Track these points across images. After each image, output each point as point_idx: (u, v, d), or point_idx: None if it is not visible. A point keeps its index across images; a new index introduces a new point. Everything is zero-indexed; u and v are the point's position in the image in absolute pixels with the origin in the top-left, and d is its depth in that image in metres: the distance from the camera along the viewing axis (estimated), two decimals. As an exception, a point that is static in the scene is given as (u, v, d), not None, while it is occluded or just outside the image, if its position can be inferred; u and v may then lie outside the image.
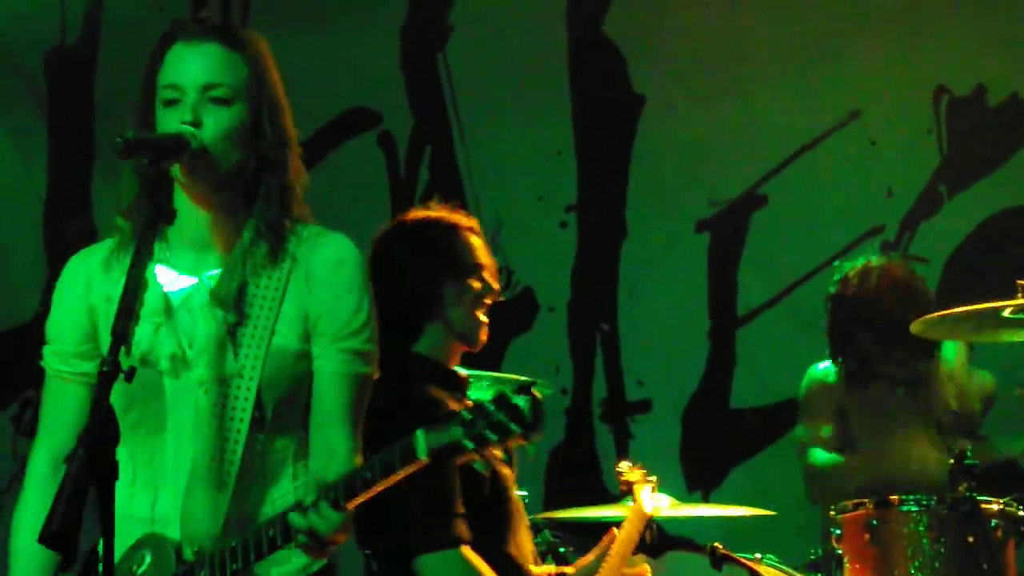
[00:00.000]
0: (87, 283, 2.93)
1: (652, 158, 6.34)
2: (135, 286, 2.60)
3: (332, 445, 2.83)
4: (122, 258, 2.85)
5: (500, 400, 2.46)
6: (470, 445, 2.47)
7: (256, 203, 2.85)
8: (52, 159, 6.79)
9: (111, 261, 2.90)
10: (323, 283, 2.85)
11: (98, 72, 6.75)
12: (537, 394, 2.45)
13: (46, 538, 2.42)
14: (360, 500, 2.61)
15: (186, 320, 2.85)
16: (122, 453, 2.76)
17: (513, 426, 2.44)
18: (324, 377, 2.83)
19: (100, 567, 2.49)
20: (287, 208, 2.86)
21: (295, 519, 2.62)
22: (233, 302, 2.83)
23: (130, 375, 2.53)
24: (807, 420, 5.06)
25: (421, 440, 2.51)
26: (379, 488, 2.58)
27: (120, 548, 2.77)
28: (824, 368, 5.05)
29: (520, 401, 2.44)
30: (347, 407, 2.84)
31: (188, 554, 2.76)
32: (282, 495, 2.84)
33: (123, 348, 2.54)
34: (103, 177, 6.64)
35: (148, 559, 2.79)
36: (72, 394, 2.92)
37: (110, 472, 2.48)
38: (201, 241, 2.87)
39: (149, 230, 2.67)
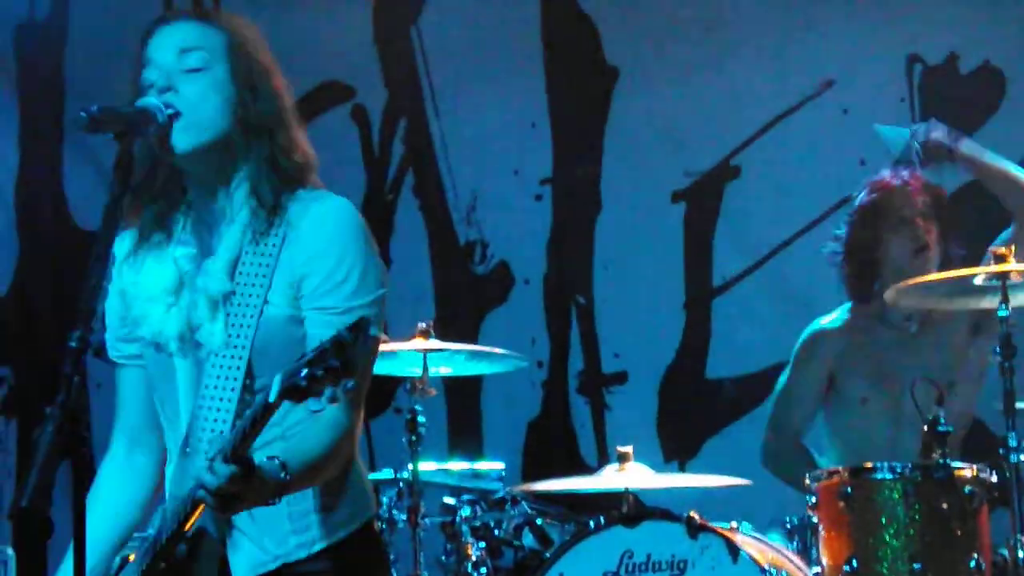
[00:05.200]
0: (118, 268, 2.96)
1: (627, 130, 6.34)
2: (101, 262, 2.60)
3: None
4: (144, 244, 2.90)
5: (334, 337, 2.47)
6: (303, 384, 2.46)
7: (251, 177, 2.84)
8: (23, 135, 6.76)
9: (138, 245, 2.93)
10: (305, 242, 2.82)
11: (68, 47, 6.72)
12: (363, 328, 2.45)
13: (16, 514, 2.42)
14: (244, 448, 2.59)
15: (189, 297, 2.86)
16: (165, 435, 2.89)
17: (332, 360, 2.44)
18: (311, 340, 2.80)
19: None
20: (281, 175, 2.84)
21: (199, 473, 2.62)
22: (227, 274, 2.83)
23: (99, 351, 2.54)
24: (797, 368, 5.05)
25: (276, 384, 2.53)
26: (253, 437, 2.57)
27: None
28: (827, 319, 5.05)
29: (345, 335, 2.45)
30: None
31: None
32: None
33: (92, 323, 2.54)
34: (74, 153, 6.61)
35: (151, 530, 2.84)
36: (128, 377, 2.99)
37: (81, 446, 2.48)
38: (205, 216, 2.89)
39: (114, 207, 2.66)
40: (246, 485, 2.59)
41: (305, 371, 2.46)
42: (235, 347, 2.80)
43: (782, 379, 5.13)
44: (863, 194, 5.00)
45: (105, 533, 2.91)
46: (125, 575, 2.84)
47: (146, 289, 2.88)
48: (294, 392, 2.48)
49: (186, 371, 2.86)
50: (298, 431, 2.76)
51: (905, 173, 4.95)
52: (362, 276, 2.81)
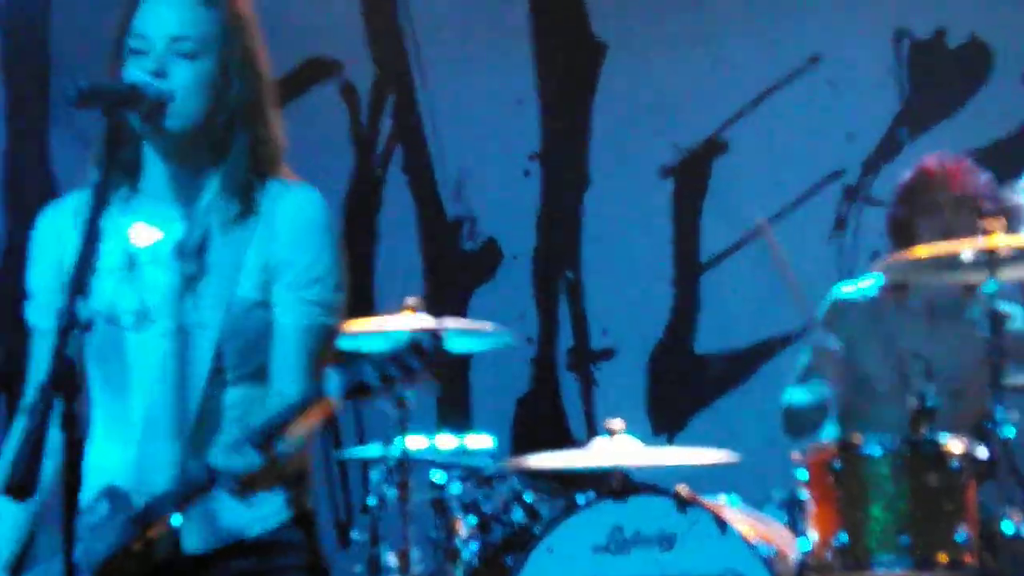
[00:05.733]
0: (58, 236, 2.92)
1: (615, 105, 6.33)
2: (91, 237, 2.60)
3: (281, 396, 2.81)
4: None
5: (406, 341, 2.61)
6: (376, 384, 2.58)
7: (226, 159, 2.84)
8: (9, 112, 6.73)
9: (81, 213, 2.85)
10: (282, 232, 2.84)
11: (53, 23, 6.69)
12: (439, 336, 2.62)
13: (8, 489, 2.43)
14: (277, 440, 2.64)
15: (149, 273, 2.84)
16: (96, 406, 2.83)
17: (413, 361, 2.57)
18: (281, 328, 2.82)
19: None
20: (257, 165, 2.85)
21: (215, 459, 2.65)
22: (195, 253, 2.82)
23: (88, 326, 2.52)
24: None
25: (333, 380, 2.59)
26: (294, 429, 2.64)
27: (89, 498, 2.79)
28: (849, 287, 4.99)
29: (420, 337, 2.59)
30: (303, 358, 2.83)
31: (138, 504, 2.76)
32: None
33: (80, 299, 2.53)
34: (60, 129, 6.59)
35: (102, 510, 2.80)
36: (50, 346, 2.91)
37: (73, 423, 2.48)
38: (169, 194, 2.86)
39: (103, 181, 2.66)
40: (269, 473, 2.65)
41: (372, 370, 2.57)
42: (203, 328, 2.80)
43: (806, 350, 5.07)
44: (908, 172, 4.96)
45: (18, 513, 2.84)
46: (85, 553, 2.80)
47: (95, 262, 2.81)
48: (364, 391, 2.60)
49: (142, 347, 2.82)
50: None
51: (950, 156, 4.91)
52: (336, 276, 2.86)
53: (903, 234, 4.85)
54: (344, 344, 4.66)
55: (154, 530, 2.74)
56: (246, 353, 2.83)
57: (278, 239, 2.83)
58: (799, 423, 4.91)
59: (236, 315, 2.81)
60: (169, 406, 2.79)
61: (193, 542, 2.80)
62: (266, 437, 2.63)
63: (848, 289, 4.97)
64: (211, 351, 2.79)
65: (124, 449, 2.84)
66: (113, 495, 2.79)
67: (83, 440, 2.49)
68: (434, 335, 2.61)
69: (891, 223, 4.93)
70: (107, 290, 2.82)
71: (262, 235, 2.83)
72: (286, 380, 2.82)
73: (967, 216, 4.75)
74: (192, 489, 2.69)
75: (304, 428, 2.74)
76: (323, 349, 2.85)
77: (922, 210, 4.82)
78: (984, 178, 4.86)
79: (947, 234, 4.64)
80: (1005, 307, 4.82)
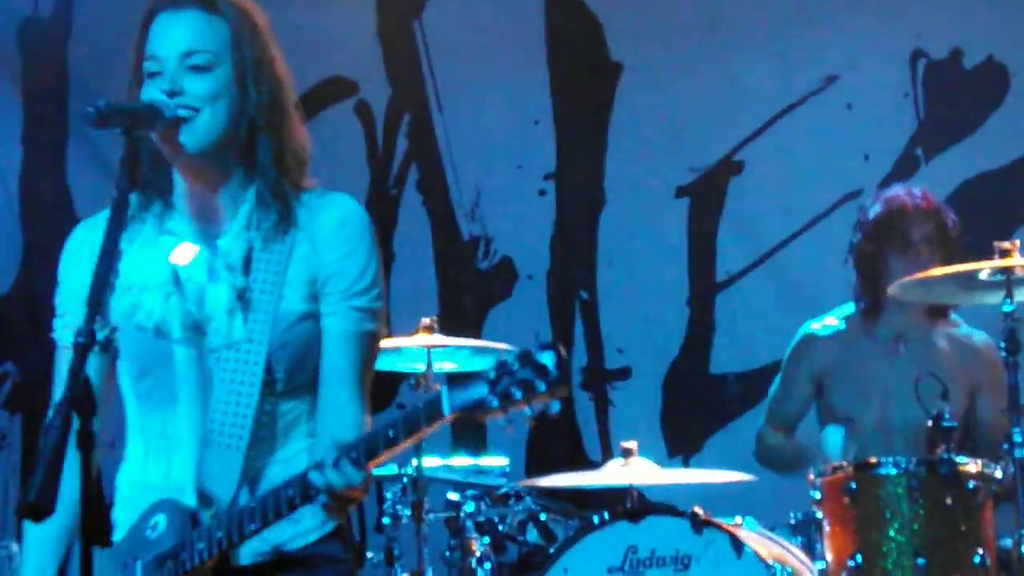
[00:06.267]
0: (91, 254, 2.90)
1: (630, 125, 6.34)
2: (109, 256, 2.61)
3: (340, 403, 2.85)
4: (126, 234, 2.82)
5: (525, 357, 2.49)
6: (495, 403, 2.49)
7: (255, 170, 2.85)
8: (27, 131, 6.76)
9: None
10: (329, 244, 2.85)
11: (72, 44, 6.72)
12: (562, 351, 2.47)
13: (24, 510, 2.43)
14: (382, 459, 2.63)
15: (195, 288, 2.86)
16: (133, 424, 2.85)
17: (539, 383, 2.46)
18: (333, 336, 2.85)
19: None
20: (286, 172, 2.85)
21: (314, 477, 2.64)
22: (241, 268, 2.84)
23: (106, 345, 2.53)
24: (788, 369, 5.04)
25: (446, 398, 2.54)
26: (401, 447, 2.61)
27: (134, 515, 2.83)
28: (818, 324, 5.03)
29: (545, 358, 2.46)
30: (356, 365, 2.86)
31: (204, 518, 2.78)
32: (294, 453, 2.86)
33: (98, 318, 2.54)
34: (77, 149, 6.62)
35: (162, 524, 2.80)
36: None
37: (89, 442, 2.48)
38: (205, 209, 2.87)
39: (121, 200, 2.67)
40: (363, 491, 2.65)
41: (490, 391, 2.48)
42: (252, 341, 2.81)
43: (776, 380, 5.14)
44: (877, 207, 4.97)
45: (57, 532, 2.84)
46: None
47: (137, 279, 2.84)
48: (482, 410, 2.50)
49: (190, 361, 2.84)
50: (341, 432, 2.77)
51: (918, 192, 4.93)
52: (381, 285, 2.89)
53: (871, 268, 4.88)
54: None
55: (237, 544, 2.73)
56: (295, 364, 2.85)
57: (325, 251, 2.85)
58: (770, 459, 5.00)
59: (283, 328, 2.83)
60: (223, 421, 2.80)
61: (238, 555, 2.81)
62: (367, 455, 2.61)
63: (817, 325, 5.01)
64: (261, 364, 2.81)
65: (167, 463, 2.85)
66: (171, 509, 2.80)
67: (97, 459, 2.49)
68: (557, 349, 2.44)
69: (859, 256, 4.95)
70: (156, 304, 2.84)
71: (304, 247, 2.85)
72: (339, 387, 2.85)
73: (940, 254, 4.77)
74: (284, 504, 2.69)
75: (403, 448, 2.71)
76: (373, 356, 2.89)
77: (895, 247, 4.85)
78: (949, 214, 4.90)
79: (919, 270, 4.65)
80: (975, 332, 4.88)
